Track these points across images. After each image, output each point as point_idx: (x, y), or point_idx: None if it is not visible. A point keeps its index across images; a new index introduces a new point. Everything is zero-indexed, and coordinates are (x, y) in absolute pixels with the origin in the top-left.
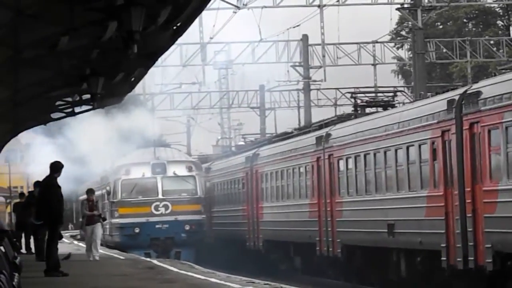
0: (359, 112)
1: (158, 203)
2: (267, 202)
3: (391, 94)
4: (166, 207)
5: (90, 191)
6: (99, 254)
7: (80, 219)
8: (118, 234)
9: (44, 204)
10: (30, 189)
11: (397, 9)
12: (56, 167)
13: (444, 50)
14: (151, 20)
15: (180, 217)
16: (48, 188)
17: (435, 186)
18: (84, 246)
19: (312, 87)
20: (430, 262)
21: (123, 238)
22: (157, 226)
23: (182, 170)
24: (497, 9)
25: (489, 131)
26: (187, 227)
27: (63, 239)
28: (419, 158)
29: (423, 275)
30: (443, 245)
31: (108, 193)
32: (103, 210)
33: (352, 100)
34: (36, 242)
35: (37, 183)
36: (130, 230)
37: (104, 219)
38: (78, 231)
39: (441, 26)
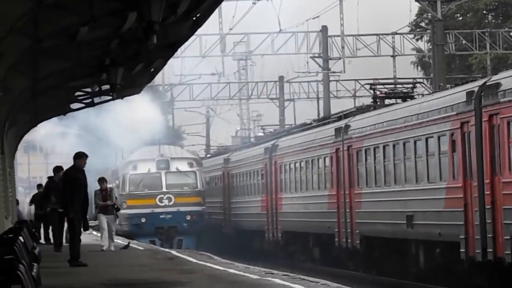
0: (378, 103)
1: (162, 195)
2: (286, 193)
3: (410, 85)
4: (169, 199)
5: (101, 180)
6: (114, 244)
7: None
8: (126, 223)
9: (64, 195)
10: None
11: (417, 0)
12: (77, 156)
13: (464, 42)
14: (170, 11)
15: (182, 208)
16: (67, 179)
17: (454, 177)
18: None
19: (331, 78)
20: (449, 254)
21: (131, 227)
22: (161, 216)
23: (184, 166)
24: None
25: (508, 123)
26: (188, 217)
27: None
28: (438, 149)
29: (442, 267)
30: (462, 236)
31: (118, 186)
32: (117, 199)
33: (371, 91)
34: (53, 232)
35: (56, 168)
36: (137, 220)
37: (118, 209)
38: (95, 221)
39: (460, 18)
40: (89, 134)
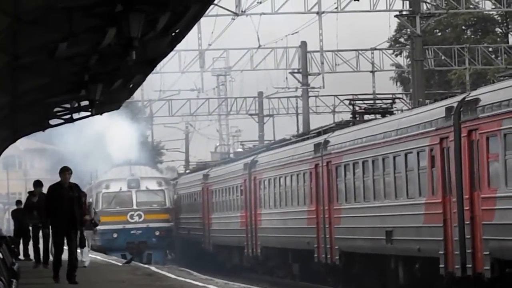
0: (357, 119)
1: (132, 212)
2: (265, 209)
3: (389, 101)
4: (139, 216)
5: None
6: (89, 260)
7: None
8: (99, 238)
9: (44, 209)
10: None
11: (396, 16)
12: (59, 171)
13: (443, 57)
14: (150, 27)
15: (151, 224)
16: (48, 193)
17: (434, 193)
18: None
19: (310, 94)
20: (428, 269)
21: (103, 242)
22: (132, 232)
23: (153, 185)
24: (495, 17)
25: (487, 138)
26: (157, 233)
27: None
28: (417, 165)
29: (421, 282)
30: (441, 252)
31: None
32: (96, 214)
33: (351, 107)
34: (34, 248)
35: (36, 183)
36: (109, 235)
37: (96, 225)
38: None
39: (439, 33)
40: (67, 151)
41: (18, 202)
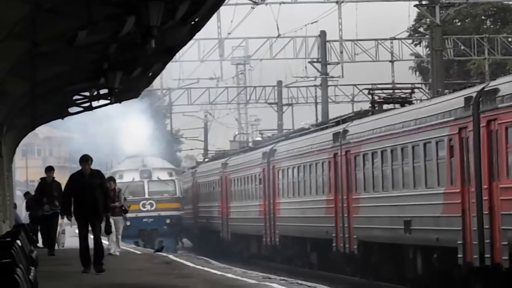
0: (376, 108)
1: (145, 201)
2: (284, 198)
3: (408, 91)
4: (151, 204)
5: (109, 179)
6: (120, 250)
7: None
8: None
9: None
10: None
11: (415, 5)
12: (79, 160)
13: (462, 47)
14: (169, 15)
15: (163, 213)
16: (68, 181)
17: (452, 183)
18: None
19: (329, 83)
20: (446, 259)
21: None
22: (144, 220)
23: (164, 175)
24: None
25: (506, 129)
26: (168, 221)
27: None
28: (436, 155)
29: (439, 272)
30: (460, 242)
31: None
32: (125, 201)
33: (370, 96)
34: (49, 234)
35: (47, 168)
36: None
37: (126, 211)
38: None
39: (459, 23)
40: (87, 139)
41: (27, 194)
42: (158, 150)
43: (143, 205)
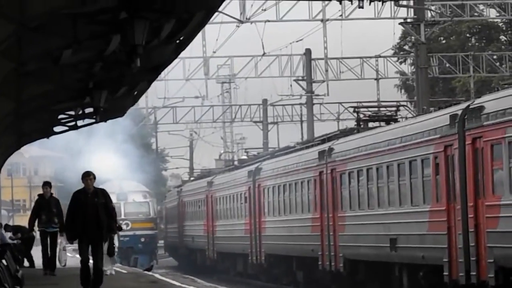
0: (361, 126)
1: (121, 221)
2: (269, 216)
3: (394, 108)
4: (127, 224)
5: None
6: (113, 268)
7: None
8: None
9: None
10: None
11: (400, 23)
12: (82, 176)
13: (447, 65)
14: (154, 34)
15: (138, 232)
16: (71, 200)
17: (438, 200)
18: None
19: (315, 101)
20: (432, 277)
21: None
22: (120, 238)
23: (139, 197)
24: (500, 24)
25: (491, 146)
26: (142, 239)
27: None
28: (421, 173)
29: None
30: (446, 259)
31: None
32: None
33: (355, 114)
34: (43, 253)
35: (45, 184)
36: None
37: (120, 229)
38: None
39: (444, 41)
40: (72, 158)
41: (7, 226)
42: (141, 174)
43: None
